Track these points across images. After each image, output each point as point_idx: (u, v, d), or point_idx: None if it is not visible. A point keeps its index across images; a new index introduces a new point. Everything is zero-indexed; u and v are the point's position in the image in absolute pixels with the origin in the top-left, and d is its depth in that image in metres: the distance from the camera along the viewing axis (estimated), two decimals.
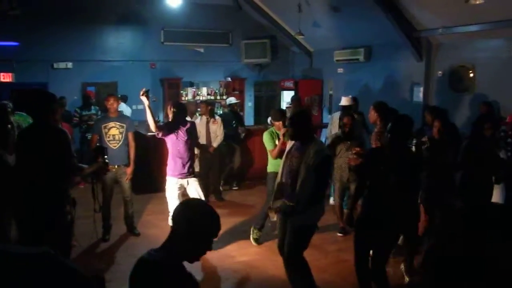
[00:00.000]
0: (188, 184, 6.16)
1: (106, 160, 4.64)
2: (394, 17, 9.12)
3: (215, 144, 8.50)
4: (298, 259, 4.58)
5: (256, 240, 6.58)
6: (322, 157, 4.38)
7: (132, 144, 6.72)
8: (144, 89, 5.97)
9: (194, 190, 6.15)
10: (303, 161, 4.39)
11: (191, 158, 6.24)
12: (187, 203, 2.47)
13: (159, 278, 2.15)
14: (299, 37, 12.05)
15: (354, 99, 8.62)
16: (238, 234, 6.93)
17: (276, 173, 5.19)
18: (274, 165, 6.24)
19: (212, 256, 6.00)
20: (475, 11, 7.67)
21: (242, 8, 12.92)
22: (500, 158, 5.74)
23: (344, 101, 8.62)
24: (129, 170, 6.67)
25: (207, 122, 8.50)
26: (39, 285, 1.18)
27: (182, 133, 6.05)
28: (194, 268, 2.27)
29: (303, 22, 10.89)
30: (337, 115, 8.27)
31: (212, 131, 8.52)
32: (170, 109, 6.22)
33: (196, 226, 2.24)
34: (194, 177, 6.26)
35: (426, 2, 8.52)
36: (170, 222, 5.76)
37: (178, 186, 6.12)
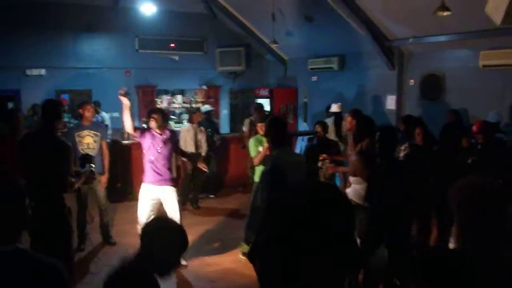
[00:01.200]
0: (164, 193, 5.84)
1: (93, 168, 4.67)
2: (366, 26, 9.29)
3: (203, 152, 8.52)
4: None
5: (244, 254, 6.29)
6: (266, 170, 4.31)
7: (106, 152, 6.71)
8: (124, 88, 5.88)
9: (171, 201, 5.85)
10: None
11: (167, 167, 5.90)
12: (156, 222, 2.56)
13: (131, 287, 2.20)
14: (273, 46, 12.16)
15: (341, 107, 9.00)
16: (215, 242, 6.96)
17: None
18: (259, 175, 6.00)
19: (188, 265, 6.01)
20: (443, 22, 7.87)
21: (216, 17, 12.99)
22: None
23: (335, 107, 9.00)
24: (104, 178, 6.64)
25: (195, 131, 8.54)
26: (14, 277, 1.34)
27: (158, 141, 5.79)
28: (187, 277, 2.33)
29: (277, 30, 11.00)
30: (330, 121, 8.55)
31: (197, 140, 8.54)
32: (149, 118, 5.91)
33: (163, 246, 2.31)
34: (172, 186, 5.94)
35: (396, 13, 8.70)
36: (138, 230, 5.76)
37: (152, 194, 5.81)
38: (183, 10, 12.61)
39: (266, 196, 4.18)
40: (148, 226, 2.47)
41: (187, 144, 8.33)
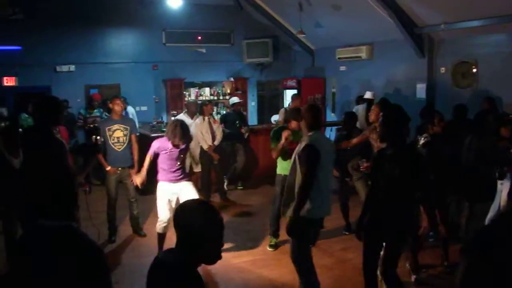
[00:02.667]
0: (181, 189, 5.82)
1: (98, 138, 4.62)
2: (395, 14, 9.11)
3: (216, 142, 8.51)
4: (302, 259, 4.51)
5: (272, 246, 6.39)
6: (304, 146, 4.34)
7: (135, 146, 6.75)
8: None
9: (188, 195, 5.67)
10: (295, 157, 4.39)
11: (182, 164, 5.93)
12: (187, 206, 2.39)
13: (173, 280, 2.15)
14: (301, 36, 12.05)
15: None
16: (243, 233, 6.95)
17: (285, 176, 5.14)
18: (282, 168, 6.05)
19: None
20: (476, 6, 7.66)
21: (243, 8, 12.94)
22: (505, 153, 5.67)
23: (370, 94, 9.20)
24: (134, 171, 6.69)
25: (209, 123, 8.52)
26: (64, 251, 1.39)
27: (174, 152, 5.79)
28: (198, 268, 2.28)
29: (304, 20, 10.89)
30: (362, 108, 8.61)
31: (213, 131, 8.54)
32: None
33: (203, 230, 2.21)
34: (187, 180, 5.98)
35: None
36: (158, 229, 5.76)
37: (170, 192, 5.81)
38: (209, 2, 12.60)
39: (306, 172, 4.22)
40: (183, 211, 2.34)
41: (205, 137, 8.31)
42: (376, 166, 4.39)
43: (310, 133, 4.45)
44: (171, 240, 3.88)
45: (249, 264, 5.94)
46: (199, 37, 12.94)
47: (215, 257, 2.28)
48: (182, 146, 5.82)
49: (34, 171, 4.20)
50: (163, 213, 5.79)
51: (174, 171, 5.80)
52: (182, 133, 5.69)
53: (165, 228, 5.77)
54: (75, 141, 9.57)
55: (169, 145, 5.73)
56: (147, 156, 5.93)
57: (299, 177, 4.29)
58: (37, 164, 4.18)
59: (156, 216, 6.75)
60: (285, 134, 5.84)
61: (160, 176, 5.86)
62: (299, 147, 4.43)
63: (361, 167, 6.06)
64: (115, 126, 6.55)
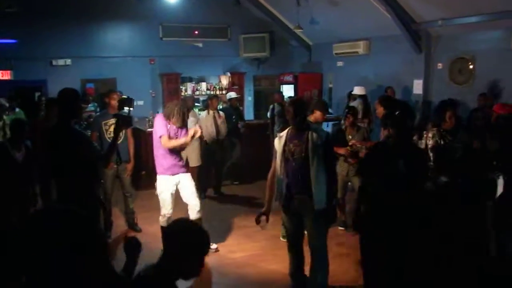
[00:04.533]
0: (180, 181, 5.74)
1: (131, 110, 4.47)
2: (392, 9, 9.09)
3: (220, 137, 8.57)
4: (325, 246, 4.53)
5: (284, 237, 6.24)
6: (326, 135, 4.48)
7: (131, 140, 6.71)
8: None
9: (187, 186, 5.75)
10: (310, 147, 4.35)
11: (180, 156, 5.85)
12: (178, 224, 2.51)
13: None
14: (298, 31, 12.02)
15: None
16: (239, 229, 6.94)
17: None
18: None
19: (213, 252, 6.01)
20: (474, 2, 7.64)
21: (240, 3, 12.89)
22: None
23: (360, 90, 9.23)
24: (130, 166, 6.66)
25: (214, 117, 8.53)
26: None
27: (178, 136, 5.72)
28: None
29: (302, 15, 10.86)
30: (357, 103, 8.61)
31: (217, 125, 8.56)
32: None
33: (188, 248, 2.31)
34: (186, 173, 5.88)
35: None
36: (162, 223, 5.71)
37: (172, 184, 5.72)
38: None
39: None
40: (171, 228, 2.49)
41: (208, 131, 8.31)
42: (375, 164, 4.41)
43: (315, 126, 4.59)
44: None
45: (245, 259, 5.93)
46: (196, 32, 12.90)
47: (193, 274, 2.37)
48: (183, 131, 5.70)
49: (67, 169, 4.14)
50: (168, 206, 5.71)
51: (175, 161, 5.68)
52: (183, 116, 5.62)
53: (169, 221, 5.68)
54: None
55: (173, 127, 5.61)
56: (164, 136, 5.55)
57: (318, 166, 4.31)
58: (71, 163, 4.12)
59: (151, 211, 6.72)
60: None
61: (160, 169, 5.73)
62: (315, 137, 4.41)
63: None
64: (112, 121, 6.46)
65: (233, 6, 12.61)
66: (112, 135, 6.33)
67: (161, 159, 5.69)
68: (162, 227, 5.69)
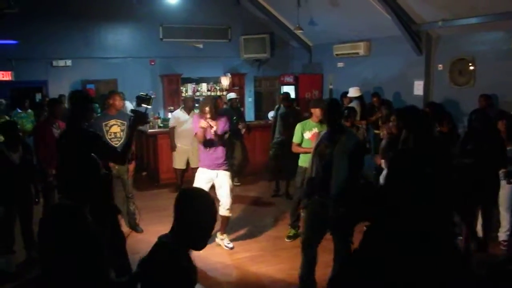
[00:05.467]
0: (217, 176, 6.07)
1: (149, 107, 4.52)
2: (393, 10, 9.10)
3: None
4: (349, 249, 4.47)
5: (290, 237, 6.55)
6: (356, 142, 4.51)
7: (132, 141, 6.71)
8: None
9: (222, 184, 6.07)
10: (336, 150, 4.37)
11: (223, 151, 6.07)
12: (190, 193, 2.55)
13: (171, 259, 2.29)
14: (298, 32, 12.03)
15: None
16: (240, 229, 6.95)
17: (306, 168, 5.19)
18: (305, 160, 5.98)
19: (215, 252, 6.03)
20: (474, 3, 7.66)
21: (240, 3, 12.90)
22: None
23: (355, 91, 9.46)
24: (131, 167, 6.67)
25: None
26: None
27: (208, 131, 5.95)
28: (197, 264, 2.37)
29: (302, 16, 10.87)
30: (355, 104, 8.76)
31: None
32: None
33: (202, 217, 2.39)
34: (225, 170, 6.12)
35: None
36: None
37: (206, 177, 6.05)
38: None
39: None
40: (186, 194, 2.51)
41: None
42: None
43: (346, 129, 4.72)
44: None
45: (246, 260, 5.94)
46: (197, 33, 12.90)
47: (202, 245, 2.44)
48: (214, 127, 5.87)
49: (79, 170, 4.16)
50: None
51: (211, 157, 6.00)
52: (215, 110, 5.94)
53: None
54: None
55: (202, 121, 5.88)
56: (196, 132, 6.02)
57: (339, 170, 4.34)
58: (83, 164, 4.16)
59: (153, 212, 6.75)
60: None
61: (200, 162, 6.17)
62: (343, 142, 4.42)
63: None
64: (112, 122, 6.50)
65: (233, 7, 12.62)
66: (112, 136, 6.41)
67: (201, 150, 6.11)
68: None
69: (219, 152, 6.04)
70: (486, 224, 5.84)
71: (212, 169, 6.03)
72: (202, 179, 6.04)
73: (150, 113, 4.75)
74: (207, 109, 5.87)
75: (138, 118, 4.30)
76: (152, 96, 4.67)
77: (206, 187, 5.91)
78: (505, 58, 8.16)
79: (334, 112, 4.52)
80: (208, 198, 2.49)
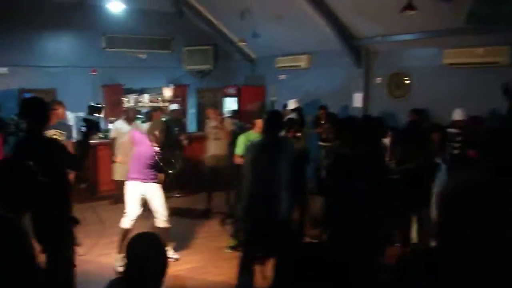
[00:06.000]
0: (149, 191, 5.93)
1: (99, 116, 4.61)
2: (334, 25, 9.36)
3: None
4: None
5: (232, 247, 6.44)
6: (297, 151, 4.64)
7: (88, 149, 6.59)
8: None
9: (156, 198, 5.95)
10: (277, 160, 4.40)
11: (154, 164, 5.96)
12: (143, 240, 2.51)
13: None
14: (242, 44, 12.14)
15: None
16: (182, 241, 6.89)
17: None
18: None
19: None
20: (410, 21, 7.98)
21: (184, 15, 12.88)
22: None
23: (294, 103, 9.65)
24: (71, 177, 6.51)
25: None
26: None
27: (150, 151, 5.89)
28: None
29: (246, 29, 10.98)
30: (293, 116, 8.87)
31: None
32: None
33: (153, 263, 2.37)
34: (156, 182, 6.02)
35: (364, 12, 8.79)
36: (126, 225, 5.72)
37: (139, 190, 5.90)
38: (150, 8, 12.47)
39: None
40: (135, 243, 2.48)
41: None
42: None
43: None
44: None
45: (187, 272, 5.91)
46: (140, 43, 12.76)
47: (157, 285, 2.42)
48: (157, 148, 5.86)
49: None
50: (133, 209, 5.87)
51: (144, 171, 5.88)
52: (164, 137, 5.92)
53: (133, 223, 5.85)
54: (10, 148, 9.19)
55: (147, 142, 5.85)
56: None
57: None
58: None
59: (91, 225, 6.61)
60: None
61: (130, 174, 5.96)
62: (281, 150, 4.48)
63: None
64: (52, 132, 6.33)
65: (177, 18, 12.58)
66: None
67: (133, 163, 5.99)
68: (123, 229, 5.84)
69: (151, 165, 5.96)
70: (421, 231, 6.08)
71: (143, 182, 5.91)
72: (134, 193, 5.91)
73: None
74: (156, 133, 5.84)
75: (91, 127, 4.31)
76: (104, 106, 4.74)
77: (139, 201, 5.90)
78: (437, 74, 8.55)
79: (275, 122, 4.59)
80: (160, 244, 2.49)
